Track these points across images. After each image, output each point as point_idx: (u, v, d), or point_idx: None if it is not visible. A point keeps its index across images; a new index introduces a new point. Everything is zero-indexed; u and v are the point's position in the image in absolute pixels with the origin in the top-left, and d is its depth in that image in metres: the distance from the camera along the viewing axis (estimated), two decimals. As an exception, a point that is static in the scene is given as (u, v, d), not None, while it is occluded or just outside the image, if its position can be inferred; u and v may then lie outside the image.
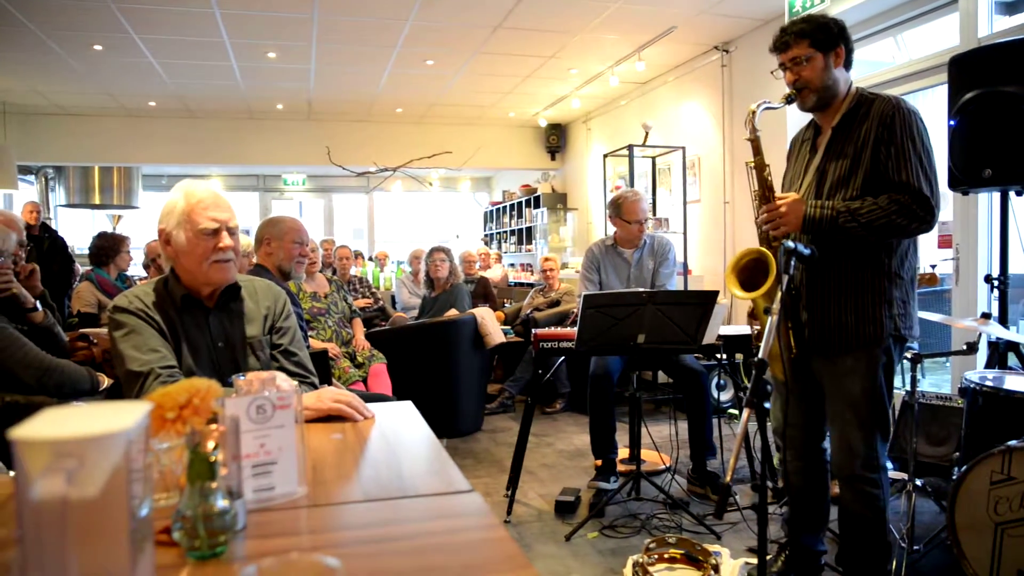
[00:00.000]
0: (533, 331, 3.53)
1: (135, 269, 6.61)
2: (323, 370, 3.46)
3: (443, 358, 4.84)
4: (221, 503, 0.98)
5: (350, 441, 1.60)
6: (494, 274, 8.85)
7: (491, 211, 12.75)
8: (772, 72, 2.50)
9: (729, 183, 6.67)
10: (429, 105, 9.23)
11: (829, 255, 2.31)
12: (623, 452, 3.93)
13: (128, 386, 1.82)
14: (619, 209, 3.99)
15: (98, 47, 6.38)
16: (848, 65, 2.40)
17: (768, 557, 2.71)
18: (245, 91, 8.22)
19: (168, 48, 6.51)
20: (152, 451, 1.09)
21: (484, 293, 6.71)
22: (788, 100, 2.39)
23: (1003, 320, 3.37)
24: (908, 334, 2.35)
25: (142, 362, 1.81)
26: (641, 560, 2.67)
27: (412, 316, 6.10)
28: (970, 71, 3.39)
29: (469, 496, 1.22)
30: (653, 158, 7.61)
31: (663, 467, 4.06)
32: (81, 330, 3.25)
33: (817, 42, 2.31)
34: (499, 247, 11.74)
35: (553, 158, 10.86)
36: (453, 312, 5.25)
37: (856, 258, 2.30)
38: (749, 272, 2.42)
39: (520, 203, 11.17)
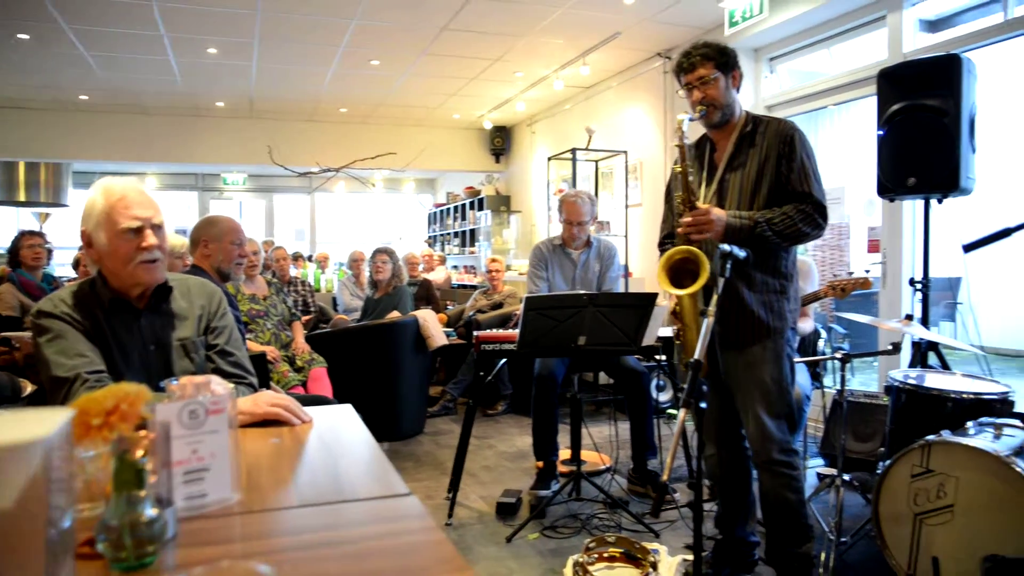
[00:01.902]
0: (475, 333, 3.53)
1: (64, 270, 6.37)
2: (261, 374, 3.40)
3: (385, 361, 4.80)
4: (149, 512, 0.96)
5: (287, 445, 1.58)
6: (437, 276, 8.82)
7: (435, 213, 12.70)
8: (677, 91, 2.72)
9: (670, 188, 6.77)
10: (374, 105, 9.15)
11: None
12: (564, 453, 3.96)
13: (53, 393, 1.75)
14: (560, 208, 4.04)
15: (23, 36, 6.12)
16: (739, 88, 2.64)
17: (704, 553, 2.78)
18: (184, 87, 8.00)
19: (102, 40, 6.28)
20: (76, 460, 1.06)
21: (427, 295, 6.68)
22: (700, 115, 2.59)
23: (925, 321, 3.52)
24: (796, 327, 2.63)
25: (68, 367, 1.75)
26: (581, 560, 2.69)
27: (354, 318, 6.03)
28: (897, 84, 3.54)
29: (408, 499, 1.22)
30: (596, 162, 7.70)
31: (603, 467, 4.11)
32: (1, 334, 3.12)
33: (719, 64, 2.55)
34: (442, 249, 11.70)
35: (498, 160, 10.87)
36: (395, 314, 5.22)
37: (760, 260, 2.50)
38: (676, 271, 2.52)
39: (464, 205, 11.16)
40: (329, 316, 6.55)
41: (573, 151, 7.24)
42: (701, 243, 2.48)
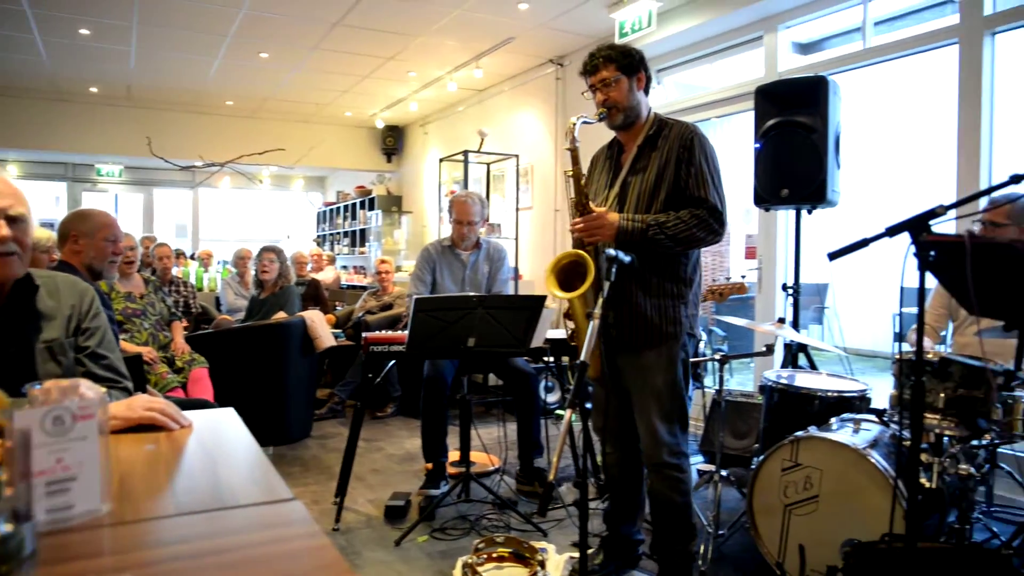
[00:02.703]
0: (364, 334, 3.49)
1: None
2: (137, 376, 3.22)
3: (270, 362, 4.65)
4: (3, 528, 0.89)
5: (164, 452, 1.50)
6: (326, 276, 8.62)
7: (324, 212, 12.44)
8: (583, 93, 2.70)
9: (560, 192, 6.93)
10: (263, 99, 8.85)
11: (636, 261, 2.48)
12: (453, 455, 3.96)
13: None
14: (450, 208, 4.05)
15: None
16: (647, 91, 2.65)
17: (590, 551, 2.85)
18: (52, 69, 7.47)
19: (-47, 14, 5.79)
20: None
21: (315, 295, 6.52)
22: (600, 117, 2.59)
23: (795, 324, 3.75)
24: (696, 332, 2.64)
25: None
26: (470, 561, 2.70)
27: (238, 319, 5.81)
28: (772, 101, 3.76)
29: (292, 505, 1.19)
30: (488, 164, 7.75)
31: (492, 468, 4.14)
32: None
33: (622, 67, 2.55)
34: (332, 249, 11.46)
35: (389, 160, 10.76)
36: (282, 315, 5.07)
37: (658, 265, 2.52)
38: (567, 274, 2.54)
39: (355, 204, 10.98)
40: (212, 316, 6.28)
41: (465, 153, 7.26)
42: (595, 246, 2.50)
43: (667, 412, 2.54)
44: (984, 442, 2.63)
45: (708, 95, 5.59)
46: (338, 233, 11.68)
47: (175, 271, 6.59)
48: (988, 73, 3.86)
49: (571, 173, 2.54)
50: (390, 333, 3.58)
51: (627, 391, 2.64)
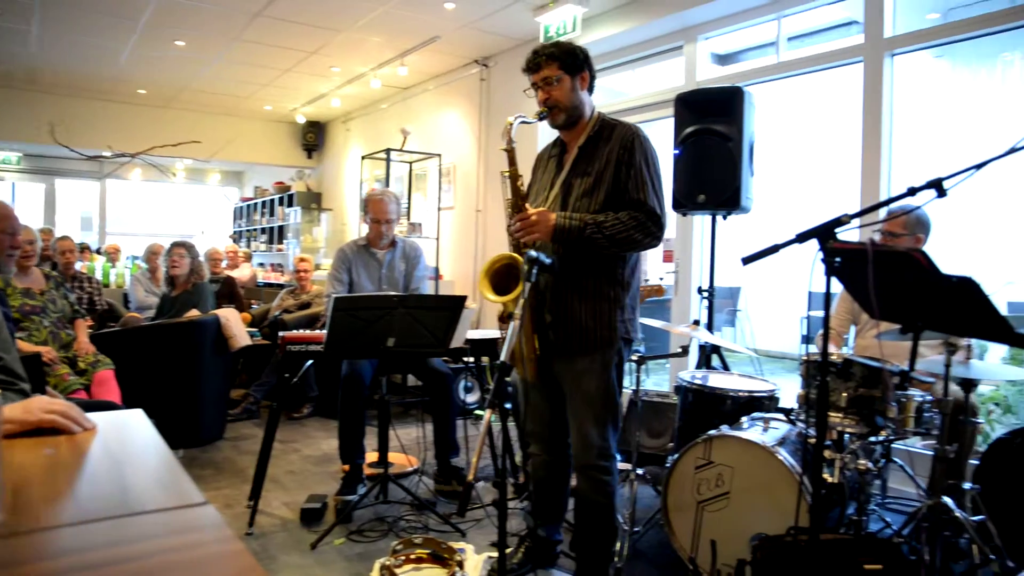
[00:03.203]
0: (280, 333, 3.41)
1: None
2: (36, 378, 3.05)
3: (182, 362, 4.49)
4: None
5: (65, 456, 1.43)
6: (242, 273, 8.38)
7: (241, 207, 12.10)
8: (525, 91, 2.65)
9: (482, 192, 6.94)
10: (178, 89, 8.53)
11: (572, 264, 2.48)
12: (371, 456, 3.92)
13: None
14: (366, 207, 4.01)
15: None
16: (591, 90, 2.61)
17: (509, 550, 2.86)
18: (-61, 47, 7.01)
19: None
20: None
21: (230, 293, 6.33)
22: (540, 117, 2.54)
23: (710, 326, 3.87)
24: (634, 336, 2.61)
25: None
26: (388, 563, 2.68)
27: (148, 317, 5.58)
28: (691, 109, 3.87)
29: (203, 509, 1.15)
30: (411, 163, 7.70)
31: (411, 469, 4.11)
32: None
33: (565, 65, 2.50)
34: (248, 245, 11.17)
35: (310, 156, 10.56)
36: (194, 313, 4.90)
37: (595, 268, 2.49)
38: (502, 277, 2.51)
39: (273, 200, 10.74)
40: (119, 314, 6.01)
41: (388, 151, 7.20)
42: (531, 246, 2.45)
43: (600, 416, 2.53)
44: (880, 438, 2.78)
45: (630, 101, 5.71)
46: (255, 230, 11.39)
47: (79, 266, 6.27)
48: (888, 91, 4.08)
49: (508, 173, 2.48)
50: (308, 332, 3.51)
51: (561, 394, 2.63)
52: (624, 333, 2.55)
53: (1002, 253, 6.95)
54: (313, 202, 10.18)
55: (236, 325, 4.78)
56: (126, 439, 1.58)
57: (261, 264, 10.56)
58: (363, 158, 7.85)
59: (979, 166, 1.58)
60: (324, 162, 10.51)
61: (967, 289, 2.02)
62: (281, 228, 10.54)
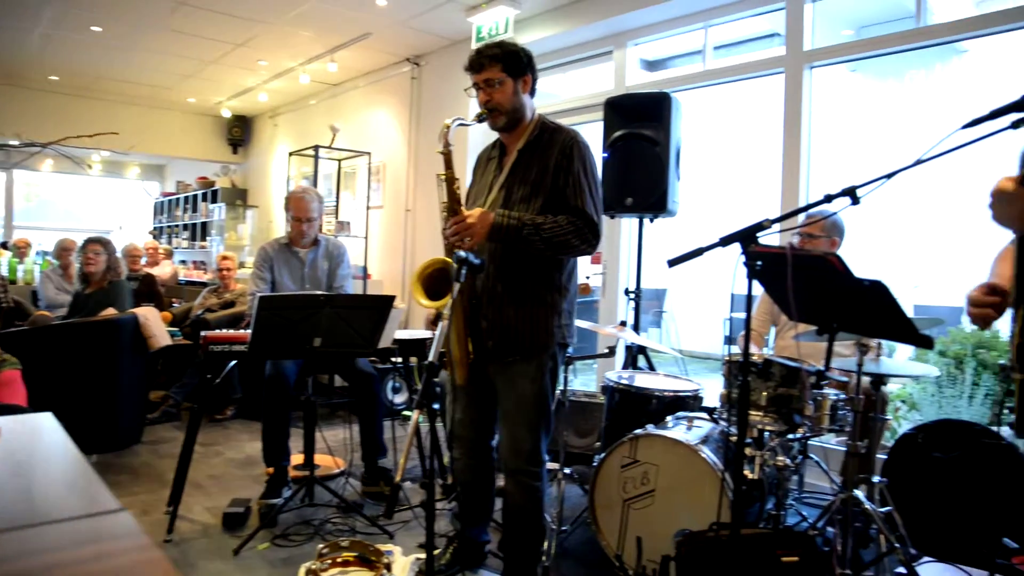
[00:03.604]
0: (202, 333, 3.31)
1: None
2: (-68, 378, 2.88)
3: (96, 363, 4.31)
4: None
5: (-35, 462, 1.36)
6: (163, 271, 8.10)
7: (162, 202, 11.72)
8: (466, 90, 2.61)
9: (412, 192, 6.90)
10: (94, 77, 8.18)
11: (509, 269, 2.46)
12: (297, 458, 3.85)
13: None
14: (287, 204, 3.94)
15: None
16: (533, 93, 2.59)
17: (436, 551, 2.85)
18: None
19: None
20: None
21: (149, 291, 6.11)
22: (480, 119, 2.50)
23: (636, 327, 3.94)
24: (570, 341, 2.61)
25: None
26: (314, 567, 2.64)
27: (59, 315, 5.34)
28: (620, 113, 3.94)
29: (118, 516, 1.11)
30: (339, 161, 7.58)
31: (337, 471, 4.05)
32: None
33: (508, 68, 2.47)
34: (170, 242, 10.81)
35: (235, 151, 10.29)
36: (111, 311, 4.71)
37: (533, 273, 2.47)
38: (435, 281, 2.48)
39: (196, 196, 10.44)
40: (28, 312, 5.72)
41: (316, 148, 7.07)
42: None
43: (532, 421, 2.52)
44: (798, 435, 2.89)
45: (560, 104, 5.77)
46: (177, 226, 11.04)
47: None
48: (807, 101, 4.24)
49: (444, 176, 2.42)
50: (231, 332, 3.42)
51: (490, 398, 2.61)
52: (560, 338, 2.54)
53: (911, 258, 7.32)
54: (238, 198, 9.94)
55: (156, 324, 4.62)
56: (33, 444, 1.51)
57: (183, 261, 10.26)
58: (291, 154, 7.70)
59: (888, 176, 1.65)
60: (250, 158, 10.26)
61: (878, 292, 2.12)
62: (204, 224, 10.25)
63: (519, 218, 2.36)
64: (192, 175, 10.77)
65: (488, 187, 2.59)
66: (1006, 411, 1.40)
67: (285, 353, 3.39)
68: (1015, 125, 1.35)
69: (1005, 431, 3.01)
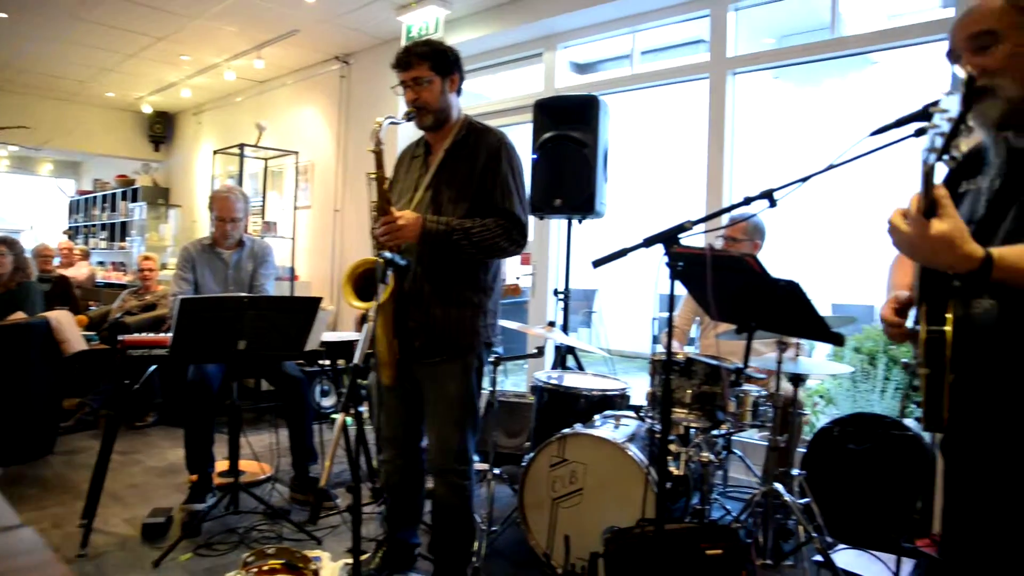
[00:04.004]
0: (119, 337, 3.19)
1: None
2: None
3: (3, 370, 4.10)
4: None
5: None
6: (78, 272, 7.77)
7: (78, 201, 11.25)
8: (393, 88, 2.60)
9: (341, 192, 6.81)
10: (1, 67, 7.76)
11: (435, 270, 2.46)
12: (222, 464, 3.74)
13: None
14: (211, 204, 3.85)
15: None
16: (459, 93, 2.60)
17: (366, 556, 2.82)
18: None
19: None
20: None
21: (63, 294, 5.84)
22: (408, 117, 2.49)
23: (565, 327, 3.98)
24: (494, 341, 2.63)
25: None
26: (238, 576, 2.57)
27: (-37, 319, 5.06)
28: (549, 115, 3.97)
29: (19, 532, 1.05)
30: (266, 160, 7.42)
31: (264, 477, 3.96)
32: None
33: (437, 66, 2.46)
34: (86, 242, 10.38)
35: (157, 149, 9.96)
36: (19, 315, 4.49)
37: (459, 274, 2.48)
38: (365, 282, 2.46)
39: (115, 195, 10.08)
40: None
41: (241, 146, 6.91)
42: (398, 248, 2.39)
43: (459, 420, 2.53)
44: (722, 431, 2.97)
45: (490, 105, 5.78)
46: (95, 225, 10.62)
47: None
48: (731, 106, 4.37)
49: (374, 175, 2.40)
50: (151, 336, 3.31)
51: (417, 399, 2.60)
52: (486, 338, 2.56)
53: (829, 259, 7.62)
54: (160, 197, 9.63)
55: (69, 328, 4.43)
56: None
57: (101, 263, 9.88)
58: (215, 153, 7.49)
59: (803, 180, 1.71)
60: (173, 155, 9.95)
61: (792, 292, 2.20)
62: (124, 224, 9.90)
63: (448, 223, 2.37)
64: (111, 173, 10.38)
65: (414, 186, 2.58)
66: (913, 405, 1.47)
67: (208, 357, 3.31)
68: (918, 133, 1.42)
69: (911, 423, 3.17)
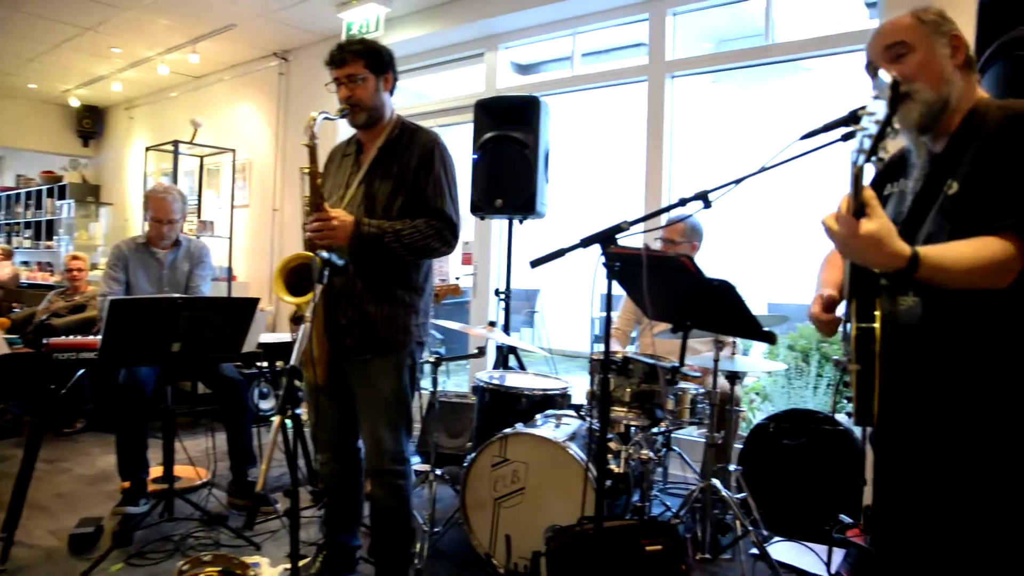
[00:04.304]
0: (44, 340, 3.07)
1: None
2: None
3: (-81, 375, 3.91)
4: None
5: None
6: (1, 273, 7.45)
7: (0, 197, 10.75)
8: (326, 85, 2.58)
9: (280, 190, 6.70)
10: (-92, 55, 7.38)
11: (367, 269, 2.45)
12: (156, 470, 3.63)
13: None
14: (146, 205, 3.75)
15: None
16: (392, 92, 2.60)
17: (306, 560, 2.78)
18: None
19: None
20: None
21: (-16, 295, 5.61)
22: (342, 114, 2.49)
23: (507, 327, 3.99)
24: (426, 340, 2.65)
25: None
26: (172, 585, 2.50)
27: None
28: (490, 115, 3.98)
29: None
30: (202, 157, 7.23)
31: (200, 482, 3.86)
32: None
33: (371, 64, 2.47)
34: (9, 241, 9.95)
35: (86, 144, 9.61)
36: (-63, 318, 4.28)
37: (390, 273, 2.49)
38: (297, 276, 2.44)
39: (40, 191, 9.67)
40: None
41: (176, 143, 6.72)
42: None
43: (392, 419, 2.52)
44: (661, 429, 3.02)
45: (431, 104, 5.75)
46: (18, 223, 10.18)
47: None
48: (669, 109, 4.44)
49: (308, 170, 2.40)
50: (79, 338, 3.20)
51: (351, 398, 2.59)
52: (418, 337, 2.58)
53: (764, 259, 7.82)
54: (90, 195, 9.29)
55: (-10, 331, 4.24)
56: None
57: (25, 262, 9.48)
58: (148, 149, 7.27)
59: (736, 182, 1.75)
60: (103, 151, 9.61)
61: (725, 291, 2.25)
62: (51, 223, 9.51)
63: (379, 226, 2.38)
64: (35, 169, 9.95)
65: (345, 183, 2.57)
66: (844, 400, 1.53)
67: (140, 360, 3.22)
68: (845, 138, 1.47)
69: (842, 418, 3.28)
